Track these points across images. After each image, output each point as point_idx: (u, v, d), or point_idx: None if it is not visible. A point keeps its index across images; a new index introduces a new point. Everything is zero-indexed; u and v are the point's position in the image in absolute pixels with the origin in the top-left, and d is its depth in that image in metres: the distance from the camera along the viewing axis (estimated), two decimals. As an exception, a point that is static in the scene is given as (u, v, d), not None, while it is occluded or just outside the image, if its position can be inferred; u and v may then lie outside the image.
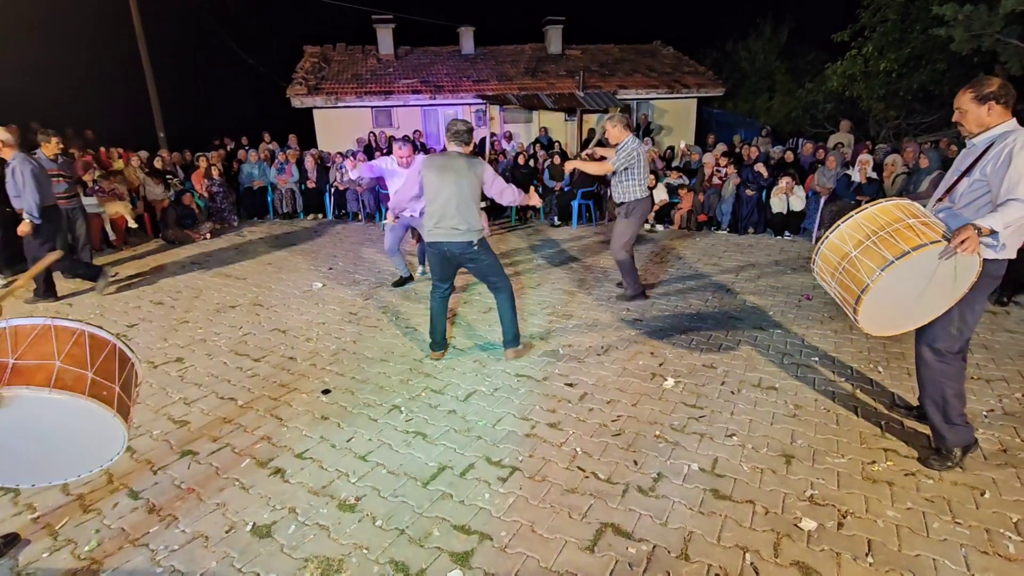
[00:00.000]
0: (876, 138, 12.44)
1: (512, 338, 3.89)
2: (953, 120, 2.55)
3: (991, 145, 2.38)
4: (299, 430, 3.04)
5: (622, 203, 4.86)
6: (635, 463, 2.68)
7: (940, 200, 2.55)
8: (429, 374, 3.69)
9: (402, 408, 3.26)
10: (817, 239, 7.17)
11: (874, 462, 2.65)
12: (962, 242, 2.19)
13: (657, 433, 2.94)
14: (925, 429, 2.87)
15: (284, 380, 3.64)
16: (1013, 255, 2.44)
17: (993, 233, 2.30)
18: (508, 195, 3.79)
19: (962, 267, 2.31)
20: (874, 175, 7.13)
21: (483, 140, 11.77)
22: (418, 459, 2.76)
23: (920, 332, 2.63)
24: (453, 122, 3.68)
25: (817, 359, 3.79)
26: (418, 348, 4.11)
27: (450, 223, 3.56)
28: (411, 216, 5.17)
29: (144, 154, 9.04)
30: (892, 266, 2.22)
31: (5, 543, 2.20)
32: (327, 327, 4.57)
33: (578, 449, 2.81)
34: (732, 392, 3.37)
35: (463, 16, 18.54)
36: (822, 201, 7.38)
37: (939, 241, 2.23)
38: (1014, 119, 2.42)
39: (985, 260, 2.39)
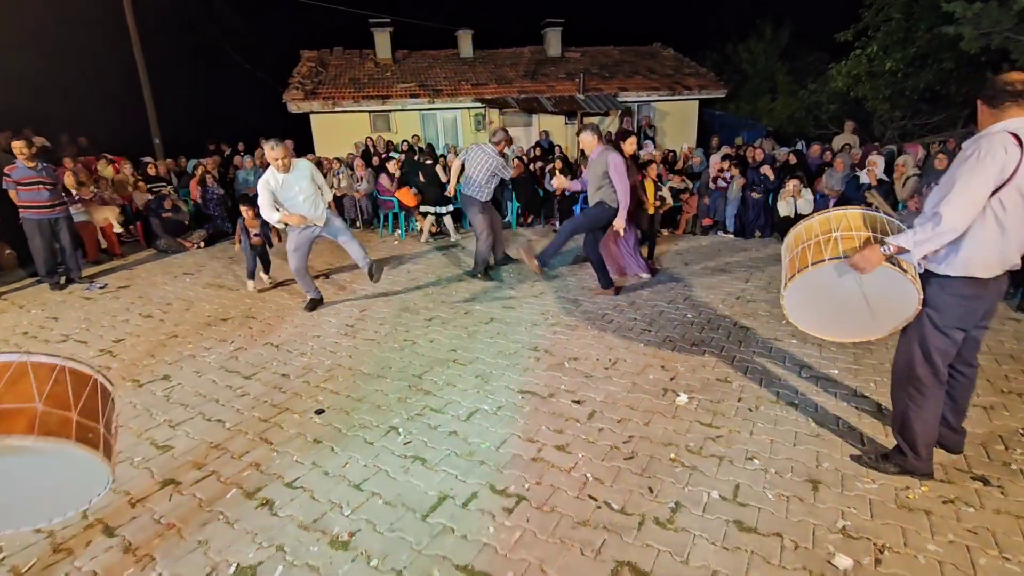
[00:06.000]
0: (881, 139, 12.27)
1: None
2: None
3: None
4: (290, 455, 2.85)
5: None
6: (650, 490, 2.49)
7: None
8: (429, 391, 3.50)
9: (400, 429, 3.07)
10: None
11: (908, 488, 2.45)
12: (857, 260, 2.23)
13: (673, 456, 2.75)
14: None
15: (276, 399, 3.45)
16: (980, 272, 2.16)
17: (903, 252, 2.20)
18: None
19: (895, 291, 2.31)
20: (884, 177, 6.95)
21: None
22: (417, 487, 2.57)
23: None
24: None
25: (837, 372, 3.60)
26: (417, 363, 3.92)
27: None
28: (314, 227, 4.86)
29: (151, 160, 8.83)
30: (805, 271, 2.38)
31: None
32: (322, 340, 4.38)
33: (589, 475, 2.62)
34: (750, 409, 3.18)
35: (461, 19, 18.45)
36: (831, 204, 7.20)
37: (837, 258, 2.30)
38: (1003, 123, 2.07)
39: (937, 276, 2.25)
